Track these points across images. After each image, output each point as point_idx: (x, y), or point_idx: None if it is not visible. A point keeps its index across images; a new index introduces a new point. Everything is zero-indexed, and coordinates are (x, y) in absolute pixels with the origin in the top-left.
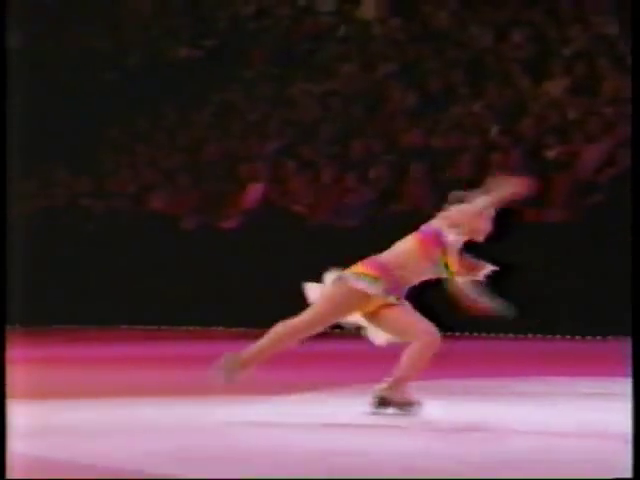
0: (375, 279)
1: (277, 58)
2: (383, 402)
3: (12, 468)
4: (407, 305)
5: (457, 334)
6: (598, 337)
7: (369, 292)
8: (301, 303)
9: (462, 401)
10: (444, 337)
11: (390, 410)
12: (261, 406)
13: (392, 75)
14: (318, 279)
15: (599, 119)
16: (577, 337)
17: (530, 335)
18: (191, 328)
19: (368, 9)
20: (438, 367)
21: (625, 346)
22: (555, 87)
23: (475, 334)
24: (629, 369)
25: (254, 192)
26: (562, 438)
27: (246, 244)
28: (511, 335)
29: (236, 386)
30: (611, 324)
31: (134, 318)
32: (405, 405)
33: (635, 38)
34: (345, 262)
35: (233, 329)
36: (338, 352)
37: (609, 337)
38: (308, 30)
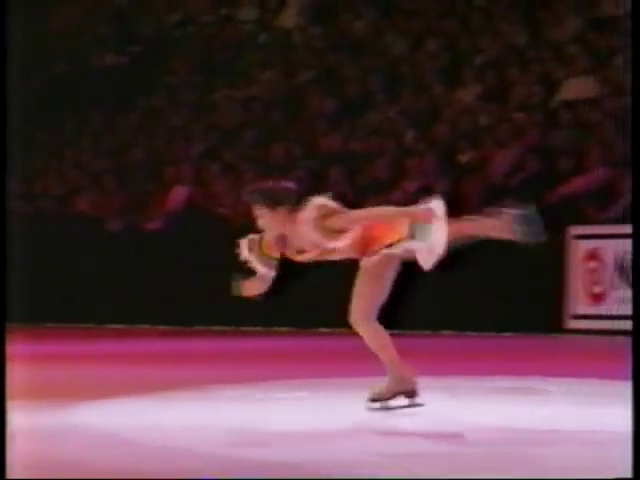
0: None
1: (200, 65)
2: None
3: (12, 467)
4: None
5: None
6: (510, 333)
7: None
8: (224, 303)
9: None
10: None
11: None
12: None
13: (311, 82)
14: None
15: (509, 125)
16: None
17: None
18: (115, 326)
19: (288, 18)
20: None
21: (542, 342)
22: (467, 94)
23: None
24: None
25: (178, 194)
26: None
27: (170, 245)
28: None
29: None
30: (527, 321)
31: (58, 317)
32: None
33: (635, 38)
34: None
35: (158, 327)
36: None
37: (523, 333)
38: (230, 38)
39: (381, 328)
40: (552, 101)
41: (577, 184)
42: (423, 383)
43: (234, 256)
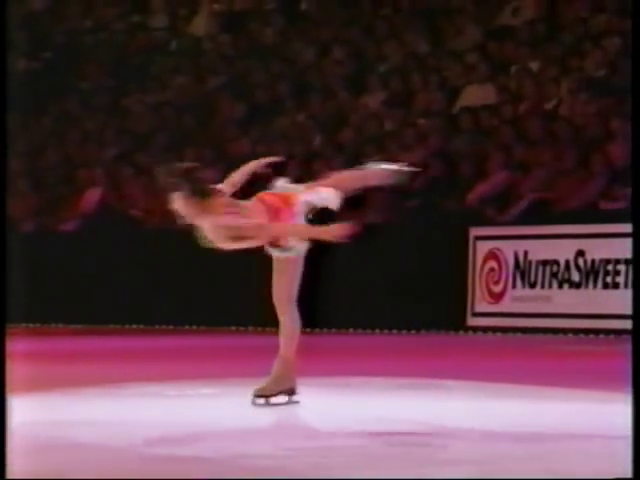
0: None
1: (113, 70)
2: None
3: (12, 467)
4: None
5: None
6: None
7: None
8: (136, 302)
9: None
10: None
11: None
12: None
13: (222, 87)
14: (153, 279)
15: (413, 130)
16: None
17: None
18: (29, 326)
19: (199, 25)
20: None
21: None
22: (372, 100)
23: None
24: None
25: (92, 196)
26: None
27: (84, 246)
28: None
29: None
30: (426, 318)
31: None
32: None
33: (635, 38)
34: (178, 263)
35: (71, 326)
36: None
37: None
38: (142, 44)
39: (298, 318)
40: (453, 107)
41: (481, 190)
42: (319, 381)
43: (146, 256)
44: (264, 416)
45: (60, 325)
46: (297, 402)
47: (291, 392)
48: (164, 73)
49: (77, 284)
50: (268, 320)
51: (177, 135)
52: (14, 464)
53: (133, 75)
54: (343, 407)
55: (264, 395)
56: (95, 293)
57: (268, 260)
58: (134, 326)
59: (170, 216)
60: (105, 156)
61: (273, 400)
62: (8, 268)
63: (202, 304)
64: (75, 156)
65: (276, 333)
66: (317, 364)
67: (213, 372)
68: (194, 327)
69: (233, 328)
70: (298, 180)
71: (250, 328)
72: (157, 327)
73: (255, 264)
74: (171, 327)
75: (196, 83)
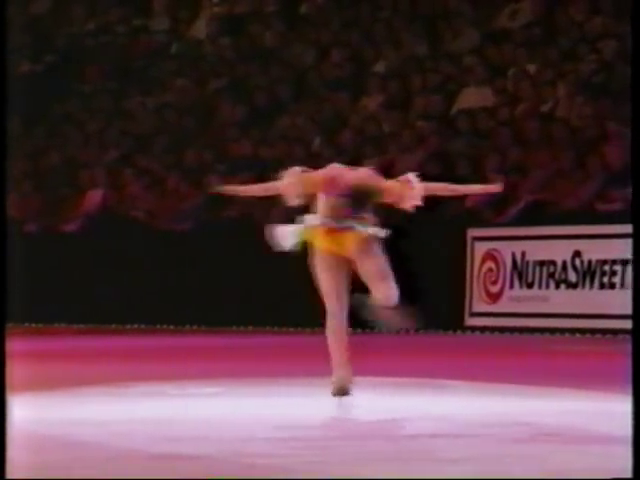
0: None
1: (114, 73)
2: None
3: (12, 468)
4: None
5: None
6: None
7: None
8: (139, 302)
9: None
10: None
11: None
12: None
13: (222, 90)
14: (156, 278)
15: (411, 132)
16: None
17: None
18: (31, 325)
19: (200, 29)
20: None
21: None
22: (371, 102)
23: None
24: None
25: (93, 198)
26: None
27: (86, 247)
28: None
29: None
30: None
31: None
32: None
33: (634, 38)
34: (182, 263)
35: (74, 326)
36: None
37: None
38: (143, 47)
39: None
40: (451, 109)
41: (478, 195)
42: (319, 381)
43: (147, 256)
44: (265, 415)
45: (62, 325)
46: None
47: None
48: (165, 76)
49: (79, 284)
50: (268, 320)
51: (178, 137)
52: (14, 463)
53: (135, 78)
54: (342, 407)
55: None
56: (96, 293)
57: (268, 260)
58: (135, 326)
59: (171, 217)
60: (107, 158)
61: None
62: (11, 269)
63: (203, 304)
64: (77, 157)
65: (276, 332)
66: (316, 364)
67: (216, 371)
68: (195, 327)
69: (234, 328)
70: None
71: (250, 328)
72: (158, 327)
73: (255, 264)
74: (172, 327)
75: (197, 85)
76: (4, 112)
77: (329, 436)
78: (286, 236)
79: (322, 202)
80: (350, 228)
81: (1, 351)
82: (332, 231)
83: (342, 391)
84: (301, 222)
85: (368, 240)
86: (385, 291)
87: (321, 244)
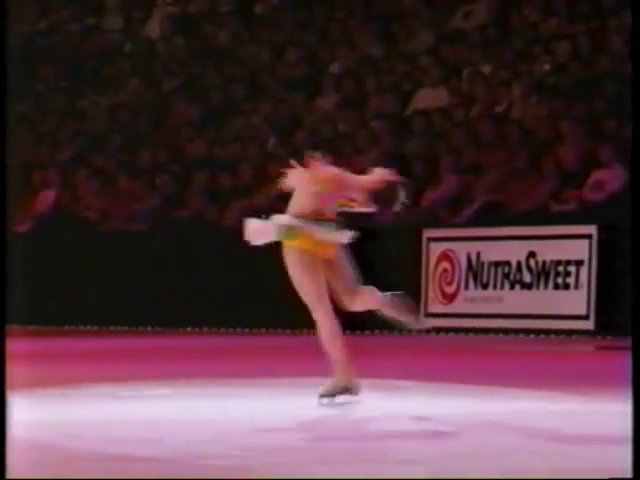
0: None
1: (67, 73)
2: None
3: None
4: None
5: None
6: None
7: None
8: (91, 303)
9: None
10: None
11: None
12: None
13: (176, 90)
14: (108, 279)
15: (366, 132)
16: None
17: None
18: None
19: (153, 28)
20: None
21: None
22: (326, 102)
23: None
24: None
25: (46, 198)
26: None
27: (38, 248)
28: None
29: None
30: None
31: None
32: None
33: (634, 37)
34: (134, 264)
35: (26, 327)
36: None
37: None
38: (96, 46)
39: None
40: (406, 110)
41: (432, 197)
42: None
43: (100, 257)
44: (219, 416)
45: (12, 326)
46: (358, 402)
47: (348, 391)
48: (119, 75)
49: (29, 286)
50: (223, 320)
51: (132, 137)
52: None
53: (88, 77)
54: (296, 407)
55: (327, 395)
56: (48, 295)
57: (221, 260)
58: (88, 327)
59: (124, 218)
60: (60, 158)
61: (337, 400)
62: None
63: (156, 305)
64: (30, 158)
65: (230, 333)
66: (270, 364)
67: (169, 373)
68: (149, 328)
69: (188, 329)
70: (252, 181)
71: (205, 329)
72: (112, 328)
73: (207, 265)
74: (126, 328)
75: (150, 85)
76: (4, 112)
77: (281, 437)
78: (267, 232)
79: (302, 198)
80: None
81: None
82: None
83: (330, 394)
84: (281, 220)
85: (344, 244)
86: (371, 293)
87: (303, 244)
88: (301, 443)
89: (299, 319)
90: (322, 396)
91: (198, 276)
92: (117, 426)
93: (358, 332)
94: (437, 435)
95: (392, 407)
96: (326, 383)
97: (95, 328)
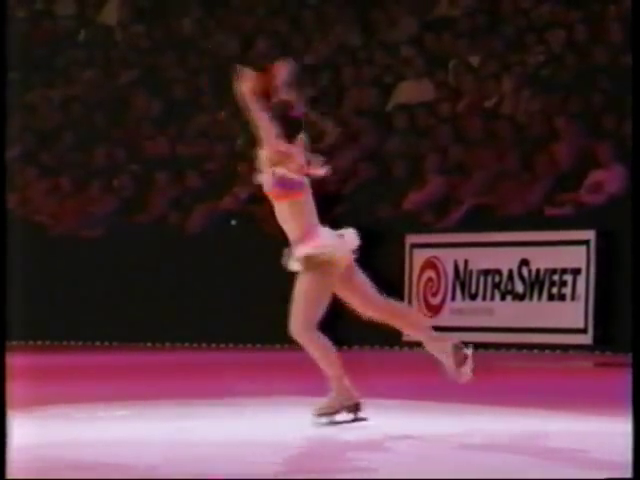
0: None
1: (15, 63)
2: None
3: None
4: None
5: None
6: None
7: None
8: (41, 315)
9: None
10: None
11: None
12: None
13: (135, 82)
14: (59, 289)
15: (343, 129)
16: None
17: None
18: None
19: (110, 14)
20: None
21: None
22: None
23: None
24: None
25: None
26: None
27: None
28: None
29: None
30: None
31: None
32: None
33: (634, 37)
34: (87, 272)
35: None
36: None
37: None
38: (47, 34)
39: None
40: (387, 105)
41: (415, 199)
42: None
43: (52, 266)
44: (174, 437)
45: None
46: (363, 419)
47: (352, 408)
48: (72, 66)
49: None
50: (186, 335)
51: (87, 133)
52: None
53: (37, 68)
54: (275, 425)
55: (325, 413)
56: None
57: (186, 270)
58: (39, 342)
59: (79, 223)
60: (7, 156)
61: (337, 417)
62: None
63: (110, 318)
64: None
65: (195, 348)
66: (230, 381)
67: (125, 392)
68: (106, 343)
69: (148, 344)
70: (219, 182)
71: (167, 344)
72: (65, 343)
73: (171, 273)
74: (80, 343)
75: (107, 77)
76: (4, 112)
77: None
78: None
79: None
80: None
81: None
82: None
83: (321, 413)
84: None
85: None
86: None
87: (324, 271)
88: (275, 459)
89: (266, 333)
90: (320, 415)
91: (159, 287)
92: (69, 448)
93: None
94: (418, 455)
95: (369, 426)
96: (322, 401)
97: (45, 343)
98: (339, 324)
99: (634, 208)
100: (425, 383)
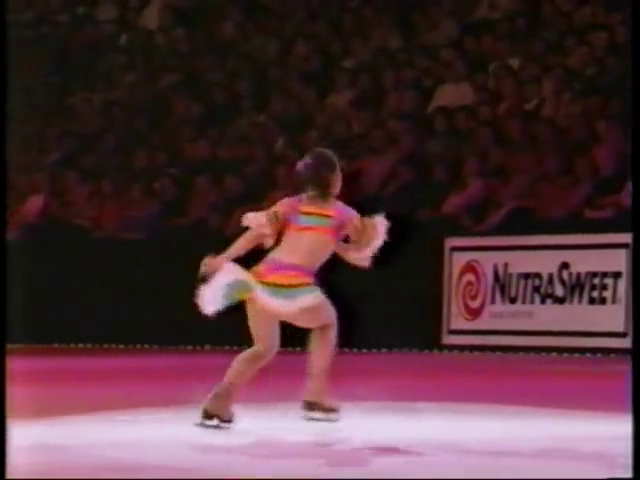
0: None
1: (56, 67)
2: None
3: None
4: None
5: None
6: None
7: None
8: (89, 317)
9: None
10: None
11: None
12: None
13: (176, 86)
14: (103, 292)
15: (383, 132)
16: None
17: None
18: None
19: (151, 18)
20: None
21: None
22: (339, 100)
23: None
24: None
25: (34, 204)
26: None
27: (25, 257)
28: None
29: None
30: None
31: None
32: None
33: (634, 36)
34: (131, 275)
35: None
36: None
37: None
38: (89, 38)
39: None
40: (427, 108)
41: (455, 202)
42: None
43: (92, 268)
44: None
45: None
46: (335, 420)
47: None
48: (113, 70)
49: (19, 297)
50: (223, 339)
51: (127, 137)
52: None
53: (79, 72)
54: (312, 428)
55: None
56: (35, 307)
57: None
58: (80, 345)
59: (119, 225)
60: (48, 160)
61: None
62: None
63: (155, 321)
64: (15, 160)
65: (232, 352)
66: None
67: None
68: (145, 346)
69: (189, 347)
70: (259, 185)
71: (207, 347)
72: (105, 347)
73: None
74: (120, 347)
75: (148, 81)
76: (4, 113)
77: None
78: None
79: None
80: None
81: None
82: None
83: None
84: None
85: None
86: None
87: None
88: (307, 463)
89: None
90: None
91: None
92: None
93: (375, 350)
94: (460, 456)
95: (410, 429)
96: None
97: (87, 346)
98: (375, 325)
99: None
100: (468, 385)
